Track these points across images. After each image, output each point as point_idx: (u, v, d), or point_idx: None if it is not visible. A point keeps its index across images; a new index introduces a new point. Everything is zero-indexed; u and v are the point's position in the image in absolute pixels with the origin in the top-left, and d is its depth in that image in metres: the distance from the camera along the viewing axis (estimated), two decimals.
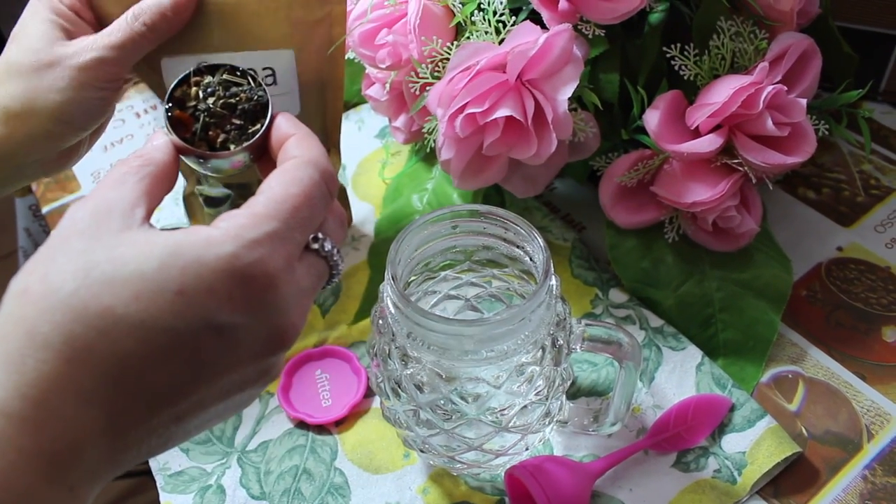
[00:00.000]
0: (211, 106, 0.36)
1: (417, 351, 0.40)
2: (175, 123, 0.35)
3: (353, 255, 0.60)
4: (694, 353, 0.52)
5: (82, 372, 0.27)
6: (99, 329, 0.27)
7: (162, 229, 0.30)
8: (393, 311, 0.40)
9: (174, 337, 0.28)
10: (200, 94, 0.36)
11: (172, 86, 0.36)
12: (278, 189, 0.32)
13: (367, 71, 0.58)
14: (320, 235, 0.33)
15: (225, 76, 0.36)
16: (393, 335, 0.41)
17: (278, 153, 0.35)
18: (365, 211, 0.63)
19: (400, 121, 0.58)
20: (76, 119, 0.44)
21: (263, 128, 0.36)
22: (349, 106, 0.72)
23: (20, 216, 0.79)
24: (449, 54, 0.50)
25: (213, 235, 0.30)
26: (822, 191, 0.63)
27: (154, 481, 0.49)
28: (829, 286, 0.57)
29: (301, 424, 0.51)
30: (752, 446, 0.47)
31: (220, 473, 0.49)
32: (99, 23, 0.46)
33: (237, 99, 0.36)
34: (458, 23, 0.51)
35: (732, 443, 0.48)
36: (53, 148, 0.45)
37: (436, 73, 0.50)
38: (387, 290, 0.40)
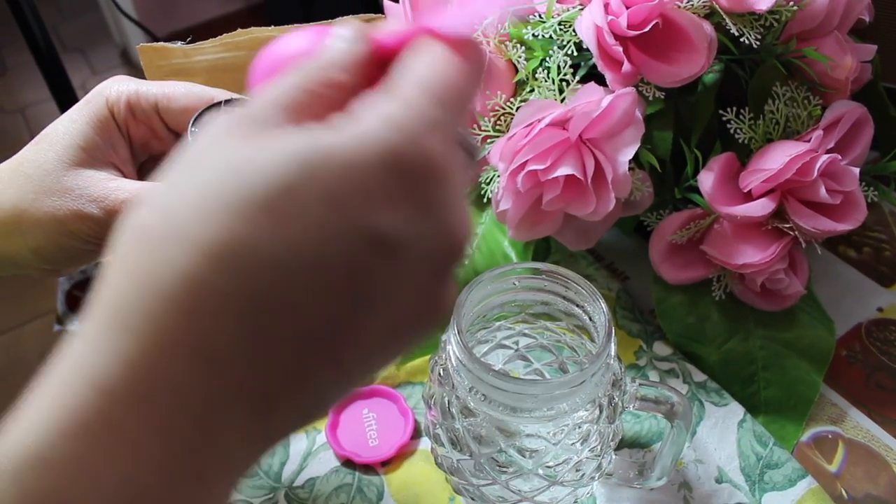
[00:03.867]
0: None
1: (478, 405, 0.41)
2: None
3: None
4: (736, 410, 0.53)
5: (205, 323, 0.21)
6: (221, 261, 0.21)
7: None
8: (455, 364, 0.41)
9: (324, 259, 0.22)
10: None
11: (199, 112, 0.38)
12: (424, 70, 0.25)
13: None
14: None
15: None
16: (454, 387, 0.42)
17: None
18: None
19: None
20: (57, 261, 0.42)
21: None
22: None
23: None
24: (511, 109, 0.51)
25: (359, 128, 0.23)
26: (862, 250, 0.64)
27: None
28: (870, 347, 0.58)
29: (348, 463, 0.52)
30: None
31: None
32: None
33: None
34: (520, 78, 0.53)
35: (774, 502, 0.49)
36: (34, 270, 0.43)
37: (497, 127, 0.52)
38: (451, 343, 0.41)
